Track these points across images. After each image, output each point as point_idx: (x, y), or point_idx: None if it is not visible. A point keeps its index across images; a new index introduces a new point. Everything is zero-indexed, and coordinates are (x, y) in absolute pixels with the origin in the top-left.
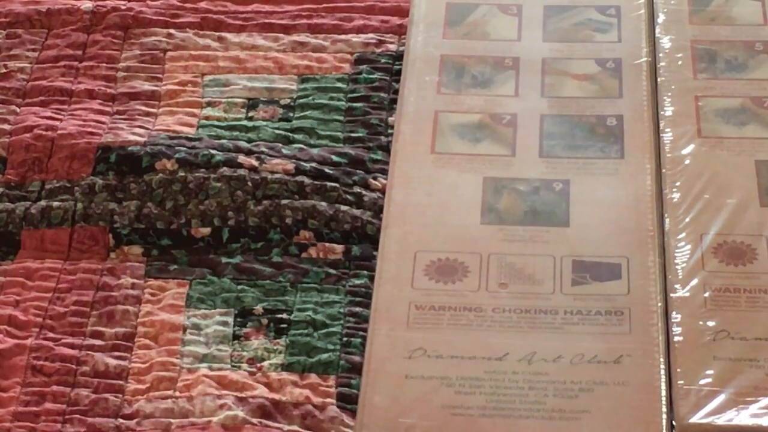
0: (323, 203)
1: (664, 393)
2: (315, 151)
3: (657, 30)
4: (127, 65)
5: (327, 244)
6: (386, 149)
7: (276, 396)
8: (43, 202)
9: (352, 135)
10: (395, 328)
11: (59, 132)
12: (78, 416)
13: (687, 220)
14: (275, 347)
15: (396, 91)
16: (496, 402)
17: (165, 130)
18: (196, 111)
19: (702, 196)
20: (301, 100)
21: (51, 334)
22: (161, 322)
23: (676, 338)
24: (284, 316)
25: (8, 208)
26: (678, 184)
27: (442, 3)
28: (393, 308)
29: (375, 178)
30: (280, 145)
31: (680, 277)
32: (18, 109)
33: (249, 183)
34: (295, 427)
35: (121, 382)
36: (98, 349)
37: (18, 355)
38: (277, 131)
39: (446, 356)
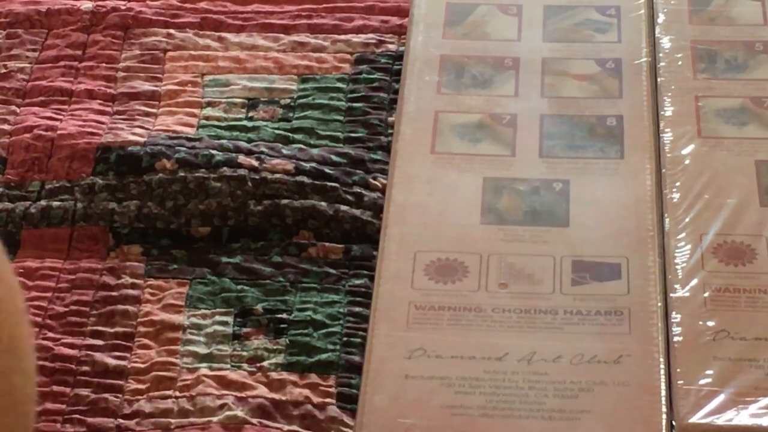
0: (323, 203)
1: (663, 393)
2: (315, 151)
3: (657, 30)
4: (127, 65)
5: (327, 244)
6: (386, 149)
7: (276, 396)
8: (43, 202)
9: (352, 135)
10: (395, 328)
11: (59, 132)
12: (78, 416)
13: (687, 220)
14: (275, 347)
15: (396, 91)
16: (495, 402)
17: (165, 130)
18: (196, 111)
19: (702, 196)
20: (301, 100)
21: (51, 334)
22: (161, 322)
23: (676, 338)
24: (284, 316)
25: (8, 208)
26: (678, 184)
27: (442, 3)
28: (393, 308)
29: (375, 178)
30: (280, 145)
31: (680, 277)
32: (18, 110)
33: (249, 183)
34: (295, 427)
35: (121, 382)
36: (98, 349)
37: None
38: (277, 131)
39: (446, 356)
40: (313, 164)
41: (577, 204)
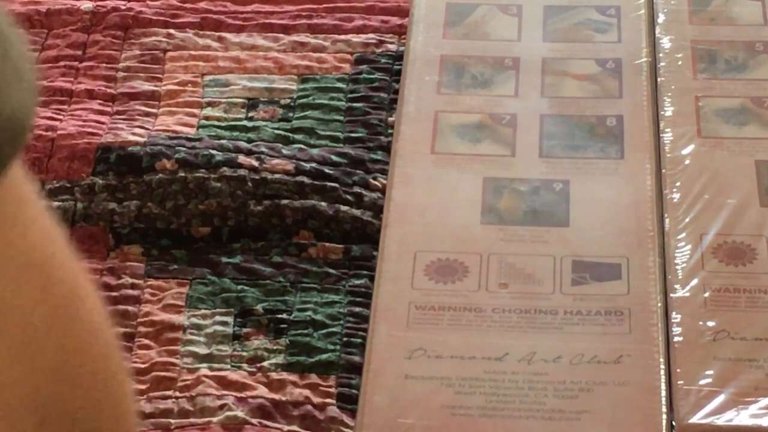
0: (323, 203)
1: (664, 393)
2: (315, 151)
3: (657, 30)
4: (127, 65)
5: (327, 244)
6: (386, 149)
7: (276, 396)
8: (43, 202)
9: (352, 135)
10: (395, 328)
11: (59, 132)
12: None
13: (687, 220)
14: (275, 347)
15: (396, 91)
16: (495, 402)
17: (165, 130)
18: (196, 111)
19: (702, 196)
20: (301, 100)
21: None
22: (161, 322)
23: (676, 338)
24: (284, 316)
25: None
26: (678, 184)
27: (442, 3)
28: (393, 308)
29: (375, 178)
30: (280, 145)
31: (680, 277)
32: None
33: (249, 183)
34: (295, 428)
35: None
36: None
37: None
38: (277, 131)
39: (446, 356)
40: (313, 164)
41: (577, 204)
